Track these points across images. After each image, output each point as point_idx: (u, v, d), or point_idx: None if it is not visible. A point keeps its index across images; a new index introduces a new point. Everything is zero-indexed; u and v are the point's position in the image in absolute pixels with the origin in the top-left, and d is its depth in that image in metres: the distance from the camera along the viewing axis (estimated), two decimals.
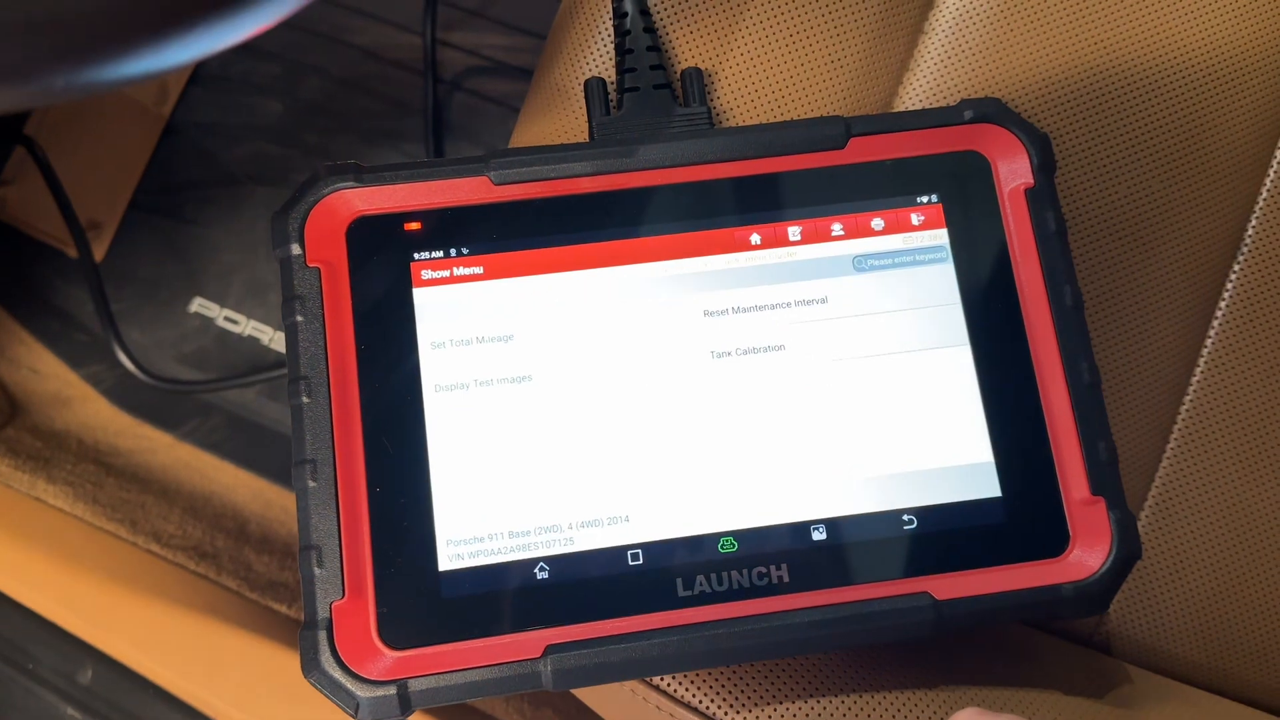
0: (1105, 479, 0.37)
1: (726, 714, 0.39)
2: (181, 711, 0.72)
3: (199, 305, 0.86)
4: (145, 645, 0.72)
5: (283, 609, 0.77)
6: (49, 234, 0.86)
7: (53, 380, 0.84)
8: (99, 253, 0.85)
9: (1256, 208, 0.48)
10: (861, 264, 0.38)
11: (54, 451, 0.81)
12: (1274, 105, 0.49)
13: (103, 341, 0.83)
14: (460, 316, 0.37)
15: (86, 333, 0.85)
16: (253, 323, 0.86)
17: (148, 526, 0.79)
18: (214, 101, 0.89)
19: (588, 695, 0.45)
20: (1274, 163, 0.49)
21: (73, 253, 0.84)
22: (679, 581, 0.35)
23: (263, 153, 0.88)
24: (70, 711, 0.73)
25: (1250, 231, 0.48)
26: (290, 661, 0.73)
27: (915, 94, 0.46)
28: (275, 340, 0.85)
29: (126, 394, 0.84)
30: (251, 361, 0.85)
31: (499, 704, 0.73)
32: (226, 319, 0.85)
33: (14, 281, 0.86)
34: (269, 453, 0.84)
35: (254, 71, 0.89)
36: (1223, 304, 0.48)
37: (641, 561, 0.35)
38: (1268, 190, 0.49)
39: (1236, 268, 0.48)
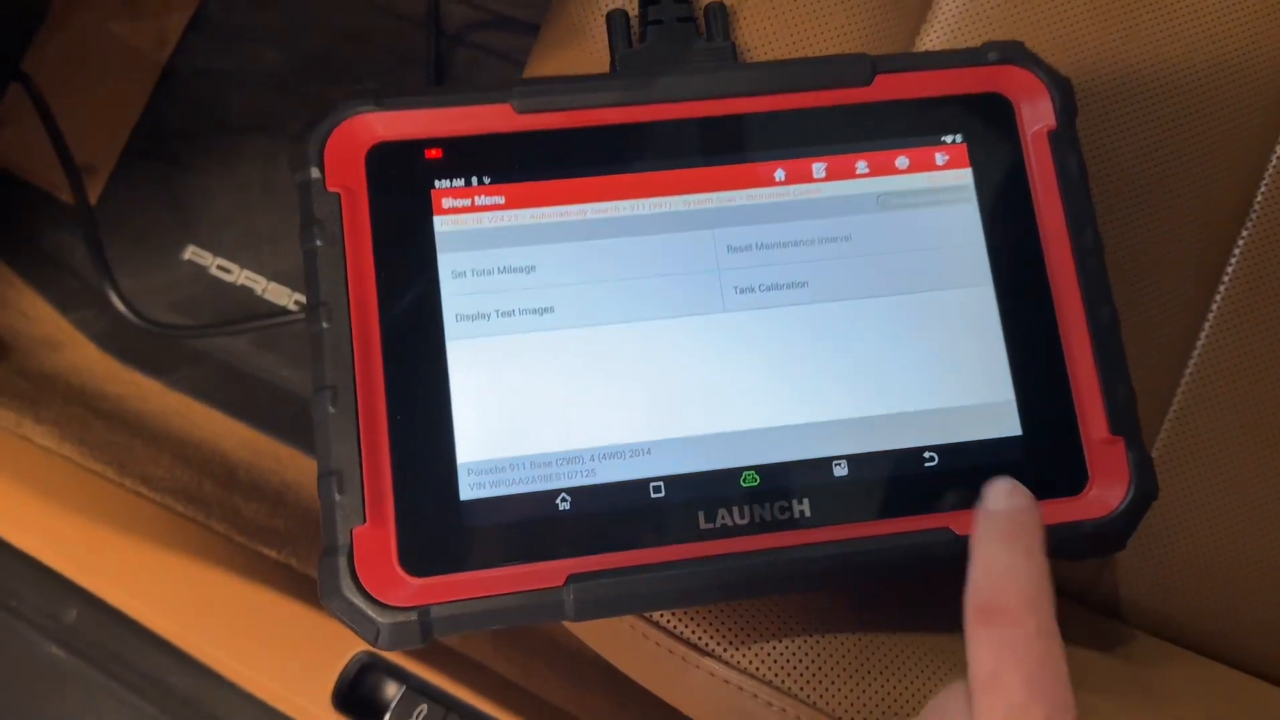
0: (1124, 419, 0.37)
1: (725, 650, 0.39)
2: (166, 652, 0.71)
3: (192, 253, 0.84)
4: (131, 586, 0.71)
5: (272, 554, 0.76)
6: (41, 177, 0.84)
7: (42, 324, 0.83)
8: (92, 197, 0.84)
9: (1266, 175, 0.48)
10: (885, 202, 0.38)
11: (42, 393, 0.80)
12: None
13: (93, 287, 0.82)
14: (481, 246, 0.36)
15: (77, 278, 0.84)
16: (246, 272, 0.84)
17: (136, 469, 0.78)
18: (213, 49, 0.87)
19: (586, 633, 0.45)
20: None
21: (65, 197, 0.83)
22: (701, 514, 0.35)
23: (261, 102, 0.86)
24: (53, 650, 0.72)
25: (1259, 199, 0.48)
26: (278, 605, 0.72)
27: (935, 40, 0.46)
28: (269, 291, 0.84)
29: (116, 340, 0.83)
30: (244, 311, 0.84)
31: (491, 653, 0.72)
32: (220, 268, 0.84)
33: (4, 225, 0.85)
34: (259, 402, 0.83)
35: (254, 20, 0.87)
36: (1229, 270, 0.48)
37: (663, 494, 0.35)
38: (1278, 157, 0.48)
39: (1245, 234, 0.48)
